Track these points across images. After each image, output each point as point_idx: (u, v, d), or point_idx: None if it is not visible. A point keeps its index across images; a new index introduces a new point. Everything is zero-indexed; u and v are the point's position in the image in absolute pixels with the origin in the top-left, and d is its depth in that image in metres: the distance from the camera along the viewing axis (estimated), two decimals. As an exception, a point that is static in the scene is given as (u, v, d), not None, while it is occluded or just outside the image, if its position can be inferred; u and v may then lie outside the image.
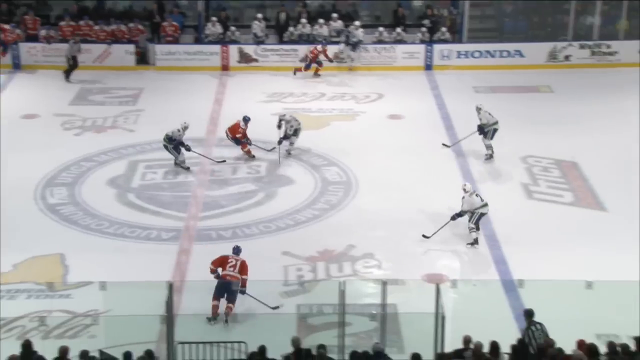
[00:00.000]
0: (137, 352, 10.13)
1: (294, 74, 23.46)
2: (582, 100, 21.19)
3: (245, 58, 24.47)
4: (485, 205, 15.01)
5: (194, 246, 15.01)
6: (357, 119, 20.88)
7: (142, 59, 24.59)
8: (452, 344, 10.58)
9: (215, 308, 12.46)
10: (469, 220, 15.01)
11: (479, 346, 9.86)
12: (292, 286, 13.75)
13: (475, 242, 14.94)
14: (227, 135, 18.59)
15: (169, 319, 10.81)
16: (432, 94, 22.64)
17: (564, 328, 11.46)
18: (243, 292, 12.61)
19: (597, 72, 23.74)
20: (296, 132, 18.49)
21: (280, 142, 18.28)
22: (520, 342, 10.14)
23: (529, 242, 15.05)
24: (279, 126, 18.61)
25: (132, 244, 15.02)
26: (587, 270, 12.87)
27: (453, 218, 15.10)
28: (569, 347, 10.21)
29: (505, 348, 9.92)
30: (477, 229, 15.02)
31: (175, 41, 24.81)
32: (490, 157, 18.28)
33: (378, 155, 18.59)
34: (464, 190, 15.13)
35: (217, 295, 12.46)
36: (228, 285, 12.52)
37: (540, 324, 11.14)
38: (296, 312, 12.63)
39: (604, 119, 20.23)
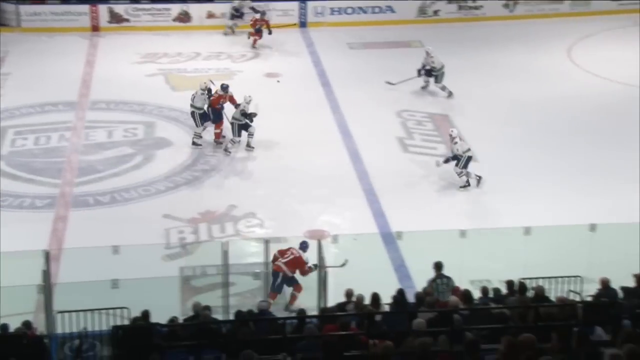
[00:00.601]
0: (15, 323, 9.77)
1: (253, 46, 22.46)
2: (452, 53, 21.54)
3: (115, 18, 23.69)
4: (470, 149, 15.41)
5: (71, 213, 14.56)
6: (234, 78, 20.62)
7: (-3, 20, 23.22)
8: (335, 298, 10.69)
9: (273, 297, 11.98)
10: (457, 165, 15.33)
11: (360, 299, 9.99)
12: (174, 249, 13.56)
13: (468, 184, 15.30)
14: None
15: (47, 288, 10.48)
16: (308, 51, 22.59)
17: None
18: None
19: (465, 26, 24.23)
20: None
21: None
22: (400, 292, 10.34)
23: (406, 194, 15.33)
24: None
25: (5, 213, 14.43)
26: (461, 220, 13.21)
27: (447, 161, 15.44)
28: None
29: (386, 299, 10.08)
30: (467, 171, 15.35)
31: (41, 1, 23.74)
32: (450, 94, 19.09)
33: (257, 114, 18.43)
34: (451, 136, 15.55)
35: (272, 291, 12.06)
36: (275, 275, 12.09)
37: (447, 277, 11.41)
38: (179, 275, 12.46)
39: (472, 72, 20.68)
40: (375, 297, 9.92)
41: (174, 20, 23.70)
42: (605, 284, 10.63)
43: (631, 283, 10.36)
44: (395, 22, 24.16)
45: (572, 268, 11.76)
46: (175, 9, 23.83)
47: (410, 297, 10.47)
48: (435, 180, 15.89)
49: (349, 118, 18.39)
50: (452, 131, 15.84)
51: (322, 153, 16.73)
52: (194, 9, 23.95)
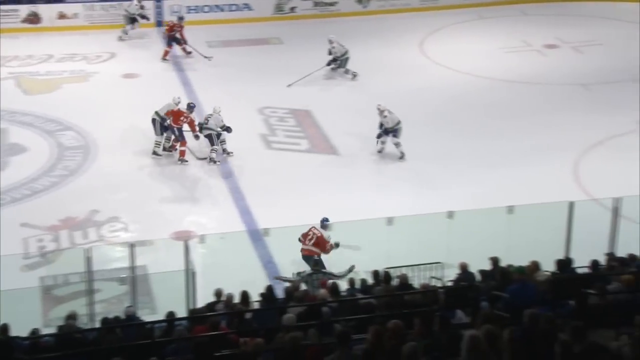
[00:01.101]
0: None
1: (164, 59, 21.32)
2: (310, 50, 21.79)
3: (-41, 20, 22.62)
4: (400, 121, 16.14)
5: None
6: (90, 80, 20.10)
7: None
8: (204, 298, 10.61)
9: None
10: (395, 136, 16.13)
11: (229, 297, 9.96)
12: (33, 258, 13.09)
13: (403, 153, 16.13)
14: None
15: None
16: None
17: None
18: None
19: (321, 22, 24.51)
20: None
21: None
22: (269, 288, 10.38)
23: (271, 191, 15.38)
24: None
25: None
26: (326, 214, 13.37)
27: (379, 136, 16.03)
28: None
29: (256, 296, 10.10)
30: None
31: None
32: (354, 76, 19.91)
33: (115, 116, 18.04)
34: (380, 109, 16.19)
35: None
36: (307, 259, 12.33)
37: (323, 273, 11.60)
38: (39, 285, 12.04)
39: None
40: (245, 295, 9.92)
41: (23, 21, 22.85)
42: (464, 268, 11.04)
43: (488, 266, 10.79)
44: (252, 20, 24.17)
45: (433, 255, 12.15)
46: (24, 10, 22.96)
47: (281, 293, 10.54)
48: (299, 175, 16.03)
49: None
50: (379, 105, 16.33)
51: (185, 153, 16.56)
52: (43, 10, 23.16)
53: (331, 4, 25.23)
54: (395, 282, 10.46)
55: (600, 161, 16.20)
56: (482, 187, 15.18)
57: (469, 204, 13.22)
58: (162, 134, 16.40)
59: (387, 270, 10.80)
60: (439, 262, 11.80)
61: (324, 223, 12.63)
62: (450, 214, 12.42)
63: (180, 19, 21.71)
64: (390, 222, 12.14)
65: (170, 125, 16.20)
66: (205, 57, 21.21)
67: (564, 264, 10.46)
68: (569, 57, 21.59)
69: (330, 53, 20.14)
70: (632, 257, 10.60)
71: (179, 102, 16.41)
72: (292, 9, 24.89)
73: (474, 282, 10.40)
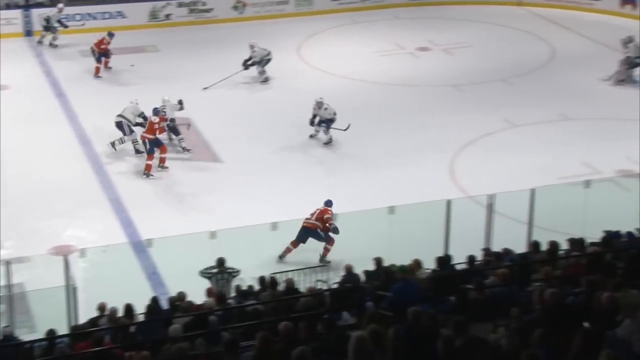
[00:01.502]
0: None
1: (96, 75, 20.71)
2: (186, 57, 21.62)
3: None
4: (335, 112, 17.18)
5: None
6: (-44, 93, 19.27)
7: None
8: (87, 313, 10.35)
9: (288, 250, 13.07)
10: (328, 126, 17.13)
11: (113, 311, 9.75)
12: None
13: (331, 140, 17.19)
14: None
15: None
16: (37, 61, 21.63)
17: (192, 279, 11.81)
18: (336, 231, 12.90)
19: (197, 28, 24.35)
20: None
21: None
22: (154, 300, 10.23)
23: (153, 201, 15.16)
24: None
25: None
26: (210, 222, 13.29)
27: (314, 124, 17.19)
28: (198, 296, 10.51)
29: (141, 308, 9.93)
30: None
31: None
32: (265, 80, 20.30)
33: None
34: (318, 102, 17.20)
35: (297, 241, 13.06)
36: (308, 231, 13.06)
37: (229, 272, 11.53)
38: None
39: (208, 73, 20.80)
40: (129, 308, 9.74)
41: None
42: (348, 270, 11.18)
43: (372, 266, 10.98)
44: (127, 28, 23.75)
45: (319, 258, 12.27)
46: None
47: (167, 304, 10.39)
48: (182, 184, 15.86)
49: (88, 128, 17.84)
50: (320, 98, 17.26)
51: (62, 166, 16.11)
52: None
53: (207, 11, 25.10)
54: (281, 287, 10.50)
55: (474, 160, 16.74)
56: (362, 189, 15.43)
57: (350, 206, 13.40)
58: (132, 132, 16.73)
59: (273, 275, 10.82)
60: (324, 265, 11.91)
61: (328, 203, 13.38)
62: (335, 216, 12.57)
63: (111, 35, 21.15)
64: (274, 227, 12.18)
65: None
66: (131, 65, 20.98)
67: (444, 261, 10.75)
68: (440, 59, 22.21)
69: (250, 58, 20.27)
70: (506, 252, 11.01)
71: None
72: (167, 16, 24.62)
73: (359, 283, 10.55)
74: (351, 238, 12.79)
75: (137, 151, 16.73)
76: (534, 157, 16.43)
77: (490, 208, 12.49)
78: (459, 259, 10.92)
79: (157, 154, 16.17)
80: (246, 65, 20.32)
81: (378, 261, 10.97)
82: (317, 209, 13.28)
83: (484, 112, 18.75)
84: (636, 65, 20.18)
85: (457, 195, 14.29)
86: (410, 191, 14.71)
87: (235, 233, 12.43)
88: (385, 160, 16.71)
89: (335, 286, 10.98)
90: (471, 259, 10.72)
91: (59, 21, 22.45)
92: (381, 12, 25.73)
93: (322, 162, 16.73)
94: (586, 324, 6.87)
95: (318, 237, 13.13)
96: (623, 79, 20.13)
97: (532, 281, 9.30)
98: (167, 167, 16.23)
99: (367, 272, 10.90)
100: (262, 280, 10.89)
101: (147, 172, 15.97)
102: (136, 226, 14.26)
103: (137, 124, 16.84)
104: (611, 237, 10.96)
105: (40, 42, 22.48)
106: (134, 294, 10.41)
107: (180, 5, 24.80)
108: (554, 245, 10.55)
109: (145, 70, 21.16)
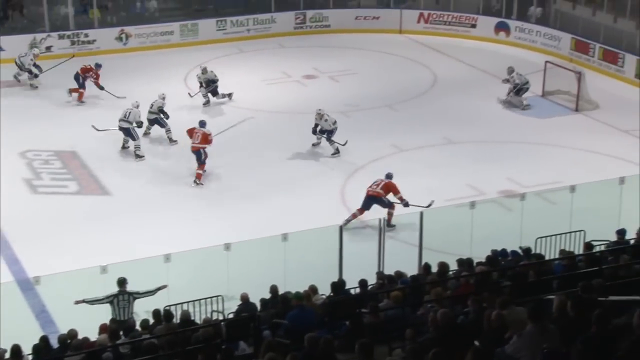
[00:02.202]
0: None
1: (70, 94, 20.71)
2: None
3: None
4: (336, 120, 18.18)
5: None
6: None
7: None
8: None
9: (354, 216, 14.97)
10: (330, 136, 18.14)
11: (0, 354, 9.41)
12: None
13: (338, 151, 18.16)
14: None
15: None
16: None
17: (83, 316, 11.51)
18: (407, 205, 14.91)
19: (80, 60, 23.78)
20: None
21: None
22: (43, 339, 9.93)
23: (40, 236, 14.74)
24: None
25: None
26: (101, 254, 13.02)
27: (314, 132, 18.23)
28: (91, 333, 10.28)
29: (28, 349, 9.63)
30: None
31: None
32: (207, 104, 20.56)
33: None
34: (320, 113, 18.14)
35: (363, 208, 15.00)
36: (373, 199, 15.10)
37: (129, 293, 11.48)
38: None
39: (92, 108, 20.43)
40: (16, 350, 9.41)
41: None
42: (244, 299, 11.16)
43: (268, 295, 10.99)
44: (5, 61, 22.99)
45: (214, 288, 12.18)
46: None
47: (57, 343, 10.10)
48: (70, 218, 15.50)
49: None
50: (320, 110, 18.15)
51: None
52: None
53: (89, 42, 24.71)
54: (177, 319, 10.38)
55: (364, 185, 16.97)
56: (255, 217, 15.44)
57: (244, 235, 13.39)
58: (138, 137, 17.86)
59: (167, 308, 10.69)
60: (219, 295, 11.84)
61: (389, 175, 15.47)
62: (227, 246, 12.53)
63: (99, 66, 20.93)
64: (167, 259, 12.04)
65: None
66: (119, 97, 20.65)
67: (338, 286, 10.88)
68: (327, 86, 22.55)
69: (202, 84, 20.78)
70: (399, 274, 11.24)
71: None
72: (48, 48, 24.06)
73: (255, 312, 10.55)
74: (246, 267, 12.77)
75: (138, 156, 17.64)
76: (421, 181, 16.84)
77: (381, 232, 12.73)
78: (354, 284, 11.07)
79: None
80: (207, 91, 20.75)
81: (273, 289, 10.99)
82: (381, 180, 15.35)
83: (372, 137, 19.12)
84: (523, 90, 20.99)
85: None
86: (302, 218, 14.81)
87: (127, 267, 12.21)
88: (275, 188, 16.79)
89: (231, 316, 10.93)
90: (363, 282, 10.88)
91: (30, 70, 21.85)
92: (266, 41, 25.96)
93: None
94: (476, 342, 7.09)
95: (382, 204, 15.10)
96: (516, 104, 20.92)
97: (424, 302, 9.53)
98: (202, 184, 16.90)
99: (263, 301, 10.91)
100: (156, 313, 10.73)
101: (198, 180, 16.79)
102: (22, 263, 13.83)
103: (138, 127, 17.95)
104: (497, 256, 11.35)
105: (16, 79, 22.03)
106: (22, 334, 10.08)
107: (61, 37, 24.32)
108: (443, 266, 10.85)
109: (26, 105, 20.63)
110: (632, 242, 11.68)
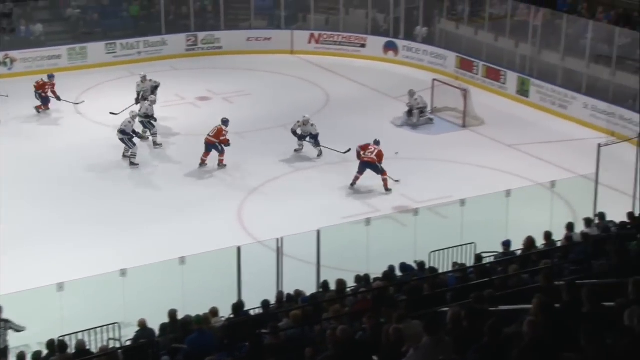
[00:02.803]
0: None
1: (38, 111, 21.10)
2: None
3: None
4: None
5: None
6: None
7: None
8: None
9: (356, 179, 17.31)
10: (316, 141, 18.97)
11: None
12: None
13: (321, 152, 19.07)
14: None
15: None
16: None
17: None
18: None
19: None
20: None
21: None
22: None
23: None
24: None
25: None
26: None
27: (294, 134, 19.08)
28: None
29: None
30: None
31: None
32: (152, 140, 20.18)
33: None
34: (305, 119, 18.92)
35: (361, 171, 17.14)
36: (367, 164, 17.14)
37: (6, 321, 11.14)
38: None
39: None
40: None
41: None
42: (142, 325, 10.98)
43: (167, 319, 10.85)
44: None
45: (110, 316, 11.94)
46: None
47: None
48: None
49: None
50: (306, 116, 18.99)
51: None
52: None
53: (-27, 67, 23.94)
54: (71, 349, 10.12)
55: (262, 205, 17.06)
56: (151, 242, 15.23)
57: (141, 260, 13.17)
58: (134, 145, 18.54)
59: (61, 338, 10.41)
60: (116, 323, 11.60)
61: (377, 141, 17.40)
62: (123, 272, 12.30)
63: (51, 76, 21.39)
64: (61, 287, 11.72)
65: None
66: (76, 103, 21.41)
67: (238, 308, 10.84)
68: (221, 108, 22.44)
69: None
70: (298, 293, 11.29)
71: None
72: None
73: (154, 337, 10.39)
74: (144, 293, 12.57)
75: (132, 164, 18.39)
76: (318, 199, 17.00)
77: (279, 251, 12.75)
78: (254, 304, 11.05)
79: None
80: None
81: (172, 314, 10.86)
82: (374, 147, 17.13)
83: (267, 158, 19.17)
84: (425, 112, 21.40)
85: (247, 241, 14.48)
86: (199, 241, 14.69)
87: (18, 297, 11.84)
88: (171, 211, 16.62)
89: (128, 343, 10.73)
90: (265, 303, 10.88)
91: None
92: (158, 64, 25.70)
93: (108, 216, 16.36)
94: (375, 358, 7.19)
95: (376, 170, 16.90)
96: (416, 123, 21.33)
97: (323, 320, 9.60)
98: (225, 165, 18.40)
99: (162, 326, 10.76)
100: (50, 344, 10.43)
101: (220, 164, 18.48)
102: None
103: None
104: (392, 271, 11.56)
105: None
106: None
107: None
108: (341, 283, 10.97)
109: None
110: (518, 252, 12.10)
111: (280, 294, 11.57)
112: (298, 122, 19.28)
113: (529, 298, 7.41)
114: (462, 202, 14.13)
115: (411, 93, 21.58)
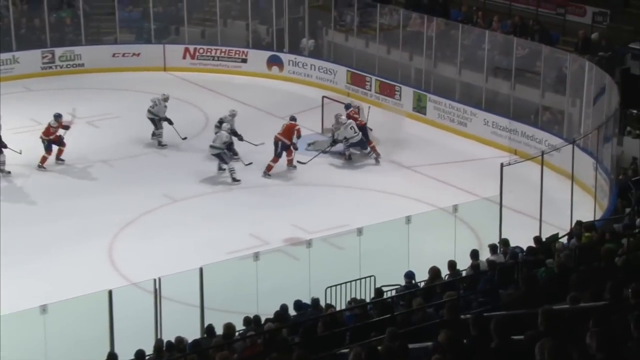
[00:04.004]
0: None
1: None
2: None
3: None
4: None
5: None
6: None
7: None
8: None
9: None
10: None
11: None
12: None
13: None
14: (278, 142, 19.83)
15: None
16: None
17: None
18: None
19: None
20: None
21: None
22: None
23: None
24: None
25: None
26: None
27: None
28: None
29: None
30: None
31: None
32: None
33: None
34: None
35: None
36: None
37: None
38: None
39: None
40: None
41: None
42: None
43: None
44: None
45: None
46: None
47: None
48: None
49: None
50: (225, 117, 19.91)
51: None
52: None
53: None
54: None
55: (135, 242, 16.84)
56: (7, 289, 14.77)
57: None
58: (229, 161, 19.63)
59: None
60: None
61: (293, 118, 20.03)
62: (44, 309, 11.93)
63: (58, 116, 20.35)
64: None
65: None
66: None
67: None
68: (85, 133, 22.04)
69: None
70: (179, 340, 11.20)
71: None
72: None
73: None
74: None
75: (234, 180, 19.42)
76: (201, 234, 16.91)
77: (157, 294, 12.62)
78: (128, 355, 10.89)
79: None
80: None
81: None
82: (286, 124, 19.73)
83: (141, 188, 18.98)
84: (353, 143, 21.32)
85: (120, 283, 14.29)
86: (65, 285, 14.39)
87: None
88: (28, 253, 16.20)
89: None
90: (139, 354, 10.72)
91: None
92: (9, 85, 24.96)
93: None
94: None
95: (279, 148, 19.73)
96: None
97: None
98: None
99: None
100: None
101: (267, 172, 19.78)
102: None
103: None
104: (285, 311, 11.62)
105: None
106: None
107: None
108: (229, 327, 10.95)
109: None
110: (422, 284, 12.37)
111: (159, 342, 11.44)
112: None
113: (435, 334, 7.61)
114: (359, 231, 14.37)
115: (337, 118, 21.13)
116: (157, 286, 12.66)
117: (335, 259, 15.21)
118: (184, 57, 27.45)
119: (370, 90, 24.91)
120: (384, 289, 12.36)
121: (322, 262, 14.41)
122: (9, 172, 19.43)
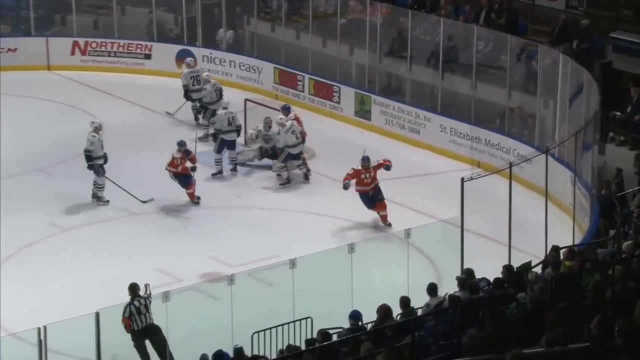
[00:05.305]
0: None
1: None
2: None
3: None
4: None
5: None
6: None
7: None
8: None
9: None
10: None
11: None
12: None
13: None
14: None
15: None
16: None
17: None
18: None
19: None
20: None
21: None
22: None
23: None
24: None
25: None
26: None
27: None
28: None
29: None
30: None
31: None
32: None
33: None
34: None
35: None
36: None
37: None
38: None
39: None
40: None
41: None
42: None
43: None
44: None
45: None
46: None
47: None
48: None
49: None
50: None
51: None
52: None
53: None
54: None
55: (14, 281, 16.60)
56: None
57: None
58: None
59: None
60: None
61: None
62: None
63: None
64: None
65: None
66: None
67: None
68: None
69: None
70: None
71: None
72: None
73: None
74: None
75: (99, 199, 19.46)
76: (99, 270, 16.77)
77: (41, 346, 12.48)
78: None
79: None
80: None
81: None
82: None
83: (21, 215, 18.77)
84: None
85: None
86: None
87: None
88: None
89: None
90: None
91: None
92: None
93: None
94: None
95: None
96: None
97: None
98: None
99: None
100: None
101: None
102: None
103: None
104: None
105: None
106: None
107: None
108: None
109: None
110: (369, 326, 12.42)
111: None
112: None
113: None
114: (292, 263, 14.35)
115: (270, 122, 21.22)
116: (42, 336, 12.53)
117: (264, 297, 15.21)
118: (73, 53, 27.31)
119: (303, 91, 24.98)
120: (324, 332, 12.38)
121: (248, 302, 14.39)
122: None
